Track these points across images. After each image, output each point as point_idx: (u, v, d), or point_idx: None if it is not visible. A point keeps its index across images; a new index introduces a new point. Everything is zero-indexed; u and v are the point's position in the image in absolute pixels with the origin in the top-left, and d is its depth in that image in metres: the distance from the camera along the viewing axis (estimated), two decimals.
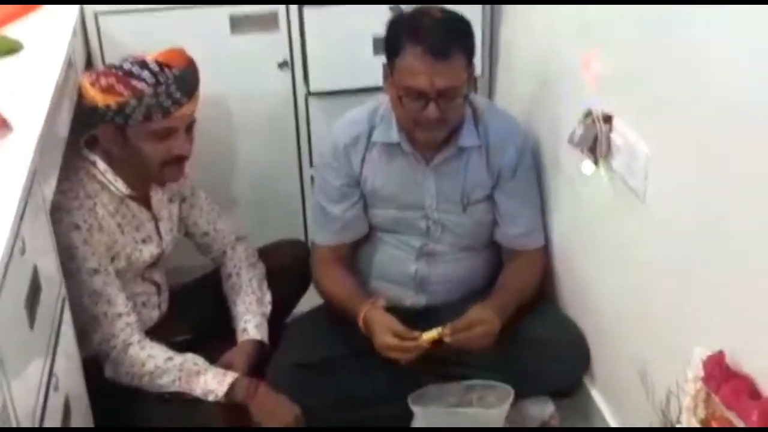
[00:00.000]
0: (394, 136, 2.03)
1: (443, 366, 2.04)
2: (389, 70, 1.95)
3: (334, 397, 2.04)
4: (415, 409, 1.92)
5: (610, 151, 1.76)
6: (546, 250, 2.18)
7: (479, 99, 2.16)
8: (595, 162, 1.81)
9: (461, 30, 1.93)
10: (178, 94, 1.85)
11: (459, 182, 2.08)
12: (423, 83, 1.87)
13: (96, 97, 1.83)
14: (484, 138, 2.06)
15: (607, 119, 1.75)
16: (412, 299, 2.17)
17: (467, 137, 2.04)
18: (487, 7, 2.37)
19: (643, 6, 1.58)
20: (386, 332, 1.94)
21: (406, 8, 1.98)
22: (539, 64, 2.19)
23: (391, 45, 1.93)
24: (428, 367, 2.01)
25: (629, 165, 1.69)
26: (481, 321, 1.93)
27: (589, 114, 1.79)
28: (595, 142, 1.78)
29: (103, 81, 1.83)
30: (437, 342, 1.92)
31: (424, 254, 2.14)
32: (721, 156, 1.39)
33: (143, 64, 1.84)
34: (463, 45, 1.90)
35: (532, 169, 2.13)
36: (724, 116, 1.37)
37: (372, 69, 2.21)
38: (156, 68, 1.84)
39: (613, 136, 1.74)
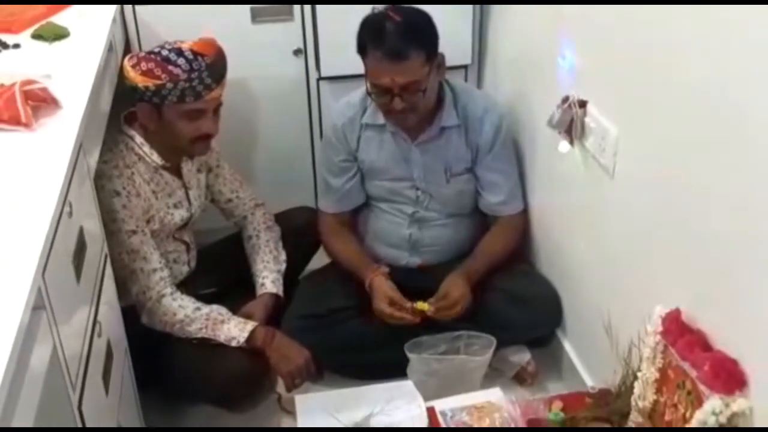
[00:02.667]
0: (380, 118, 2.03)
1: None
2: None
3: (339, 344, 2.05)
4: (410, 356, 1.92)
5: (584, 133, 1.76)
6: (526, 217, 2.18)
7: (459, 83, 2.14)
8: (571, 142, 1.80)
9: (419, 31, 1.90)
10: (209, 80, 1.84)
11: (442, 157, 2.07)
12: (385, 82, 1.88)
13: (136, 78, 1.82)
14: (462, 118, 2.05)
15: (582, 104, 1.74)
16: (406, 259, 2.17)
17: (447, 118, 2.04)
18: (477, 5, 2.35)
19: (614, 5, 1.57)
20: (383, 300, 1.98)
21: (378, 8, 1.95)
22: (522, 56, 2.18)
23: (359, 47, 1.93)
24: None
25: (600, 145, 1.69)
26: (455, 295, 1.97)
27: (566, 100, 1.77)
28: (571, 124, 1.77)
29: (143, 65, 1.82)
30: (424, 315, 1.97)
31: (416, 220, 2.14)
32: (681, 137, 1.39)
33: (179, 52, 1.83)
34: (420, 44, 1.87)
35: (508, 144, 2.12)
36: (685, 103, 1.36)
37: None
38: (190, 56, 1.82)
39: (587, 119, 1.74)
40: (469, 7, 2.34)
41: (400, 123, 2.01)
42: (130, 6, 2.23)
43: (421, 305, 1.96)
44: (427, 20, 1.93)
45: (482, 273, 2.06)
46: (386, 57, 1.86)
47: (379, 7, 1.95)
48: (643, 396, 1.46)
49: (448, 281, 2.01)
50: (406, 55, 1.85)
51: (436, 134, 2.05)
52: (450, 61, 2.29)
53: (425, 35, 1.91)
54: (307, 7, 2.29)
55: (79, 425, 1.26)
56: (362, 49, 1.92)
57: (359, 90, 2.08)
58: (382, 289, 2.00)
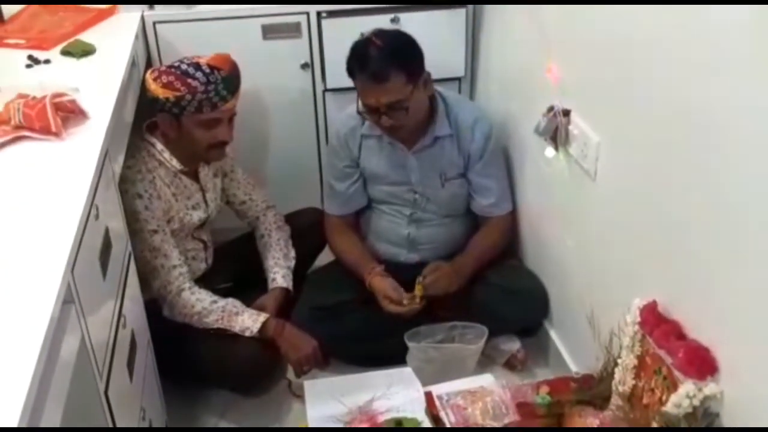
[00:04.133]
0: (378, 129, 2.03)
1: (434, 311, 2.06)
2: None
3: (344, 334, 2.05)
4: (410, 344, 1.92)
5: (568, 140, 1.75)
6: (514, 217, 2.18)
7: (451, 95, 2.13)
8: (556, 148, 1.80)
9: (401, 54, 1.90)
10: (224, 92, 1.84)
11: (436, 164, 2.07)
12: (371, 102, 1.90)
13: (157, 90, 1.82)
14: (455, 128, 2.05)
15: (566, 113, 1.74)
16: (405, 256, 2.17)
17: (441, 128, 2.03)
18: (470, 19, 2.35)
19: (596, 24, 1.57)
20: (385, 300, 2.00)
21: (365, 33, 1.96)
22: (512, 68, 2.17)
23: (348, 70, 1.94)
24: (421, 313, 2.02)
25: (583, 151, 1.69)
26: (436, 267, 2.00)
27: (551, 109, 1.77)
28: (556, 132, 1.77)
29: (164, 78, 1.82)
30: (423, 299, 1.97)
31: (414, 220, 2.14)
32: (656, 144, 1.39)
33: (197, 66, 1.83)
34: (400, 66, 1.87)
35: (498, 151, 2.12)
36: (660, 113, 1.37)
37: None
38: (207, 70, 1.82)
39: (571, 127, 1.73)
40: (462, 23, 2.33)
41: (392, 135, 2.01)
42: (151, 25, 2.22)
43: (418, 289, 1.97)
44: (409, 43, 1.94)
45: (470, 266, 2.06)
46: (370, 79, 1.87)
47: (367, 32, 1.96)
48: (623, 381, 1.46)
49: (432, 263, 2.04)
50: (387, 77, 1.86)
51: (431, 143, 2.05)
52: (444, 73, 2.30)
53: (406, 57, 1.91)
54: (314, 25, 2.29)
55: (106, 410, 1.26)
56: (351, 72, 1.94)
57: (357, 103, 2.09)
58: (382, 289, 2.01)
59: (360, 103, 1.96)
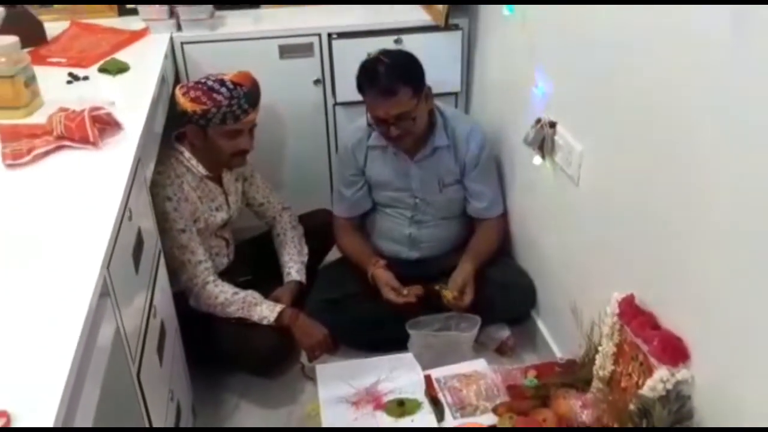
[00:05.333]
0: (383, 140, 2.02)
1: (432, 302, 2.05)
2: None
3: (351, 322, 2.04)
4: (410, 332, 1.92)
5: (553, 149, 1.75)
6: (505, 218, 2.18)
7: (448, 109, 2.12)
8: (543, 156, 1.80)
9: (407, 70, 1.90)
10: (246, 106, 1.83)
11: (435, 172, 2.06)
12: (381, 114, 1.89)
13: (186, 104, 1.82)
14: (451, 139, 2.04)
15: (552, 125, 1.74)
16: (407, 254, 2.16)
17: (439, 139, 2.03)
18: (465, 40, 2.34)
19: (579, 47, 1.57)
20: (386, 287, 2.00)
21: (372, 53, 1.95)
22: (503, 85, 2.17)
23: (358, 87, 1.94)
24: (420, 304, 2.02)
25: (567, 159, 1.68)
26: (463, 283, 1.97)
27: (539, 121, 1.77)
28: (543, 142, 1.77)
29: (192, 93, 1.82)
30: (420, 298, 1.98)
31: (415, 222, 2.14)
32: (633, 153, 1.39)
33: (222, 82, 1.83)
34: (406, 81, 1.87)
35: (491, 160, 2.11)
36: (637, 125, 1.36)
37: None
38: (231, 86, 1.82)
39: (557, 138, 1.73)
40: (458, 44, 2.33)
41: (398, 146, 2.00)
42: (179, 46, 2.22)
43: (446, 293, 1.96)
44: (412, 61, 1.94)
45: (475, 270, 2.04)
46: (380, 94, 1.87)
47: (373, 52, 1.95)
48: (603, 366, 1.46)
49: (462, 275, 1.99)
50: (395, 91, 1.86)
51: (430, 153, 2.04)
52: (442, 89, 2.30)
53: (411, 73, 1.91)
54: (325, 46, 2.29)
55: (138, 390, 1.26)
56: (361, 89, 1.93)
57: (366, 116, 2.08)
58: (384, 279, 2.01)
59: (369, 116, 1.96)
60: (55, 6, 2.35)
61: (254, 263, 2.17)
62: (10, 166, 1.38)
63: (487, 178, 2.10)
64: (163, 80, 1.95)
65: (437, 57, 2.23)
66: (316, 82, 2.35)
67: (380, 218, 2.18)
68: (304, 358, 1.98)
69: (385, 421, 1.56)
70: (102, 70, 1.93)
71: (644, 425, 1.23)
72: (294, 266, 2.10)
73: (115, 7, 2.38)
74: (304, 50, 2.30)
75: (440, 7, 2.24)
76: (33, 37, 2.07)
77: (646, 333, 1.31)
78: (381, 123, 1.93)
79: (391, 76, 1.86)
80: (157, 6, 2.22)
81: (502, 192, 2.16)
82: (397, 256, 2.15)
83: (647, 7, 1.27)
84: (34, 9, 2.19)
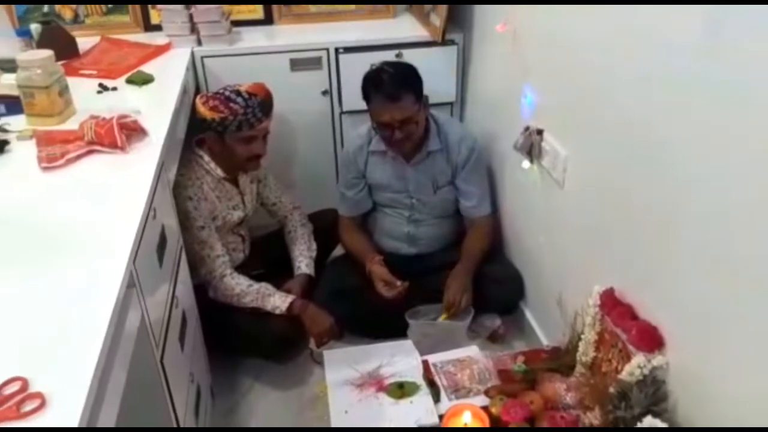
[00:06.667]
0: (383, 146, 2.02)
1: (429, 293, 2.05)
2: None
3: (355, 311, 2.04)
4: (410, 321, 1.92)
5: (541, 154, 1.75)
6: (497, 218, 2.17)
7: (442, 116, 2.11)
8: (531, 161, 1.79)
9: (408, 78, 1.90)
10: (260, 114, 1.83)
11: (430, 174, 2.06)
12: (387, 118, 1.88)
13: (205, 112, 1.82)
14: (444, 144, 2.04)
15: (539, 132, 1.73)
16: (405, 250, 2.16)
17: (433, 143, 2.02)
18: (460, 54, 2.34)
19: (564, 60, 1.56)
20: (379, 281, 1.99)
21: (375, 65, 1.95)
22: (495, 95, 2.16)
23: (364, 94, 1.93)
24: (419, 295, 2.02)
25: (553, 163, 1.68)
26: (464, 301, 1.93)
27: (527, 129, 1.77)
28: (531, 147, 1.76)
29: (210, 102, 1.82)
30: (407, 292, 1.97)
31: (412, 221, 2.13)
32: (614, 157, 1.38)
33: (238, 93, 1.83)
34: (410, 88, 1.87)
35: (480, 162, 2.09)
36: (618, 132, 1.36)
37: None
38: (246, 96, 1.82)
39: (543, 144, 1.73)
40: (453, 57, 2.32)
41: (399, 150, 2.00)
42: (199, 59, 2.22)
43: (404, 284, 1.96)
44: (413, 70, 1.94)
45: (471, 271, 2.01)
46: (386, 99, 1.86)
47: (376, 64, 1.95)
48: (585, 353, 1.46)
49: (451, 282, 1.96)
50: (400, 96, 1.85)
51: (425, 157, 2.04)
52: (438, 98, 2.30)
53: (412, 81, 1.91)
54: (333, 59, 2.28)
55: (161, 374, 1.26)
56: (366, 96, 1.93)
57: (366, 124, 2.07)
58: (378, 273, 2.01)
59: (373, 122, 1.95)
60: (87, 22, 2.35)
61: (267, 258, 2.17)
62: (45, 168, 1.38)
63: (476, 179, 2.09)
64: (184, 90, 1.95)
65: (434, 69, 2.22)
66: (324, 92, 2.35)
67: (381, 218, 2.18)
68: (312, 344, 1.98)
69: (387, 401, 1.56)
70: (129, 81, 1.93)
71: (623, 407, 1.23)
72: (304, 261, 2.09)
73: (142, 23, 2.39)
74: (314, 63, 2.30)
75: (438, 24, 2.24)
76: (67, 51, 2.07)
77: (625, 323, 1.31)
78: (386, 127, 1.92)
79: (395, 83, 1.86)
80: (179, 23, 2.22)
81: (494, 194, 2.15)
82: (398, 252, 2.15)
83: (626, 25, 1.27)
84: (67, 26, 2.19)
